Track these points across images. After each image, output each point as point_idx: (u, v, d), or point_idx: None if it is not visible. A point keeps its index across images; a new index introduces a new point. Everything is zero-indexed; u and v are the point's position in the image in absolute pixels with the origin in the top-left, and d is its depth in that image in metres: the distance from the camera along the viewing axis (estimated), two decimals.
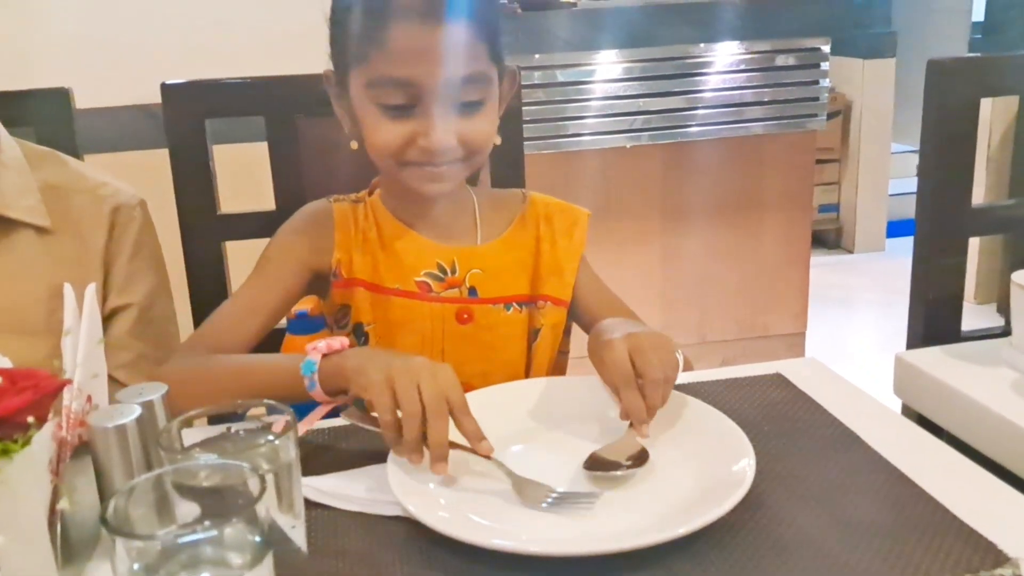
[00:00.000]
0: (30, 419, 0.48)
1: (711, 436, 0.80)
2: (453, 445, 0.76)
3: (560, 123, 2.61)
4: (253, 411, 0.64)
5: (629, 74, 2.62)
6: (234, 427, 0.60)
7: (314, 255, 1.07)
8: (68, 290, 0.74)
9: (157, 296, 1.16)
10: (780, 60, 2.69)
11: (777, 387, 0.94)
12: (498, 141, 1.03)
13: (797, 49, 2.69)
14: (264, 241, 1.12)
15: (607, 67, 2.60)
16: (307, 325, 1.26)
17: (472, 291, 1.06)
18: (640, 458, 0.77)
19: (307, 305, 1.24)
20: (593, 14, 2.70)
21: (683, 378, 0.91)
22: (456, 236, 1.08)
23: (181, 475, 0.52)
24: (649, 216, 2.78)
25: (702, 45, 2.66)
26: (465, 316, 1.05)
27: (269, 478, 0.47)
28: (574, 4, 2.68)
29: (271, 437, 0.58)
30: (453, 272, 1.06)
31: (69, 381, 0.56)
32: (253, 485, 0.48)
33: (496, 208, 1.11)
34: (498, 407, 0.87)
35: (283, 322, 1.21)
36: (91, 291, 0.74)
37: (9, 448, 0.48)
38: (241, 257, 1.31)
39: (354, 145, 1.03)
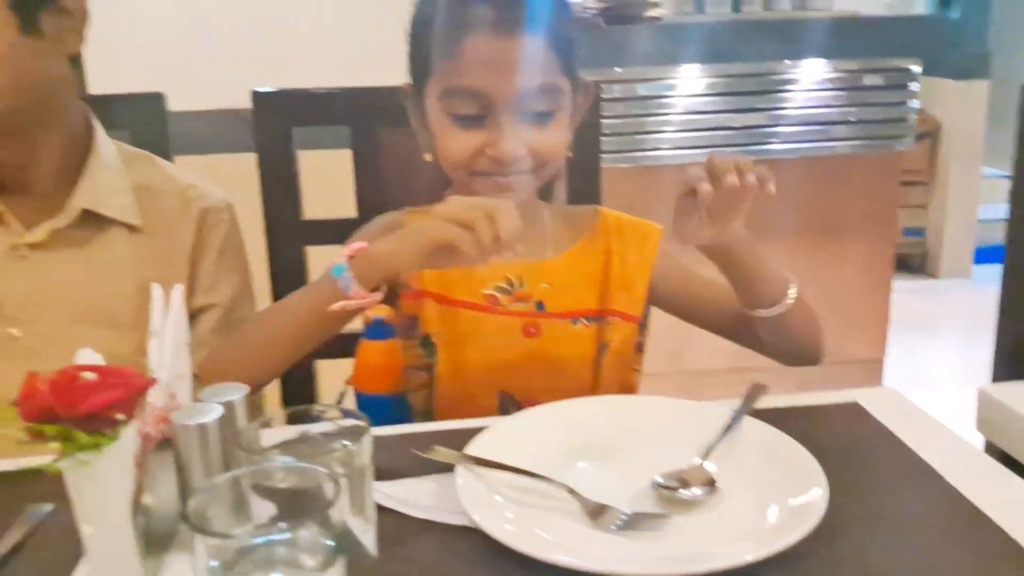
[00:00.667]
0: (119, 415, 0.51)
1: (784, 464, 0.78)
2: (520, 471, 0.76)
3: (639, 137, 2.60)
4: (329, 414, 0.65)
5: (712, 89, 2.60)
6: (311, 429, 0.62)
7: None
8: (157, 290, 0.77)
9: (241, 297, 1.19)
10: (868, 80, 2.63)
11: (854, 416, 0.92)
12: (569, 155, 1.04)
13: (886, 69, 2.63)
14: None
15: (689, 82, 2.58)
16: (383, 331, 1.28)
17: (540, 305, 1.07)
18: (710, 483, 0.77)
19: (383, 312, 1.27)
20: (677, 29, 2.69)
21: (759, 403, 0.89)
22: (527, 251, 1.08)
23: (259, 476, 0.54)
24: None
25: (787, 62, 2.61)
26: (532, 330, 1.06)
27: (343, 482, 0.48)
28: (659, 19, 2.67)
29: (346, 442, 0.59)
30: (521, 286, 1.07)
31: (156, 380, 0.58)
32: (328, 489, 0.49)
33: (567, 223, 1.12)
34: (565, 422, 0.87)
35: (358, 327, 1.23)
36: (179, 292, 0.77)
37: (100, 442, 0.50)
38: (321, 262, 1.34)
39: (428, 157, 1.06)
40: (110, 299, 1.09)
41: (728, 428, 0.84)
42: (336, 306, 0.89)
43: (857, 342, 2.89)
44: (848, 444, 0.86)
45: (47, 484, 0.79)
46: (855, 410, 0.93)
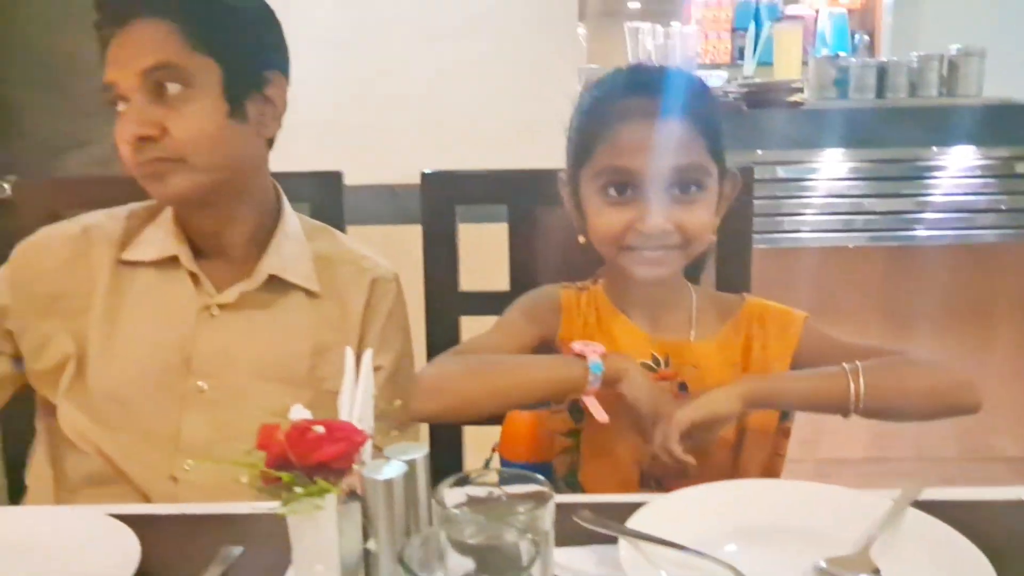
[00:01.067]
0: (342, 466, 0.56)
1: (950, 558, 0.77)
2: (684, 548, 0.78)
3: (778, 219, 2.59)
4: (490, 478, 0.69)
5: (854, 174, 2.57)
6: (495, 491, 0.66)
7: (544, 327, 1.15)
8: (349, 353, 0.83)
9: (403, 361, 1.26)
10: (1021, 167, 2.55)
11: (1021, 514, 0.89)
12: (713, 239, 1.09)
13: None
14: (494, 319, 1.21)
15: (830, 165, 2.57)
16: None
17: (682, 386, 1.09)
18: (875, 572, 0.76)
19: None
20: (819, 114, 2.69)
21: (923, 495, 0.88)
22: (670, 329, 1.12)
23: (453, 530, 0.58)
24: (869, 320, 2.69)
25: (934, 148, 2.57)
26: None
27: (540, 543, 0.52)
28: (800, 104, 2.68)
29: (531, 504, 0.63)
30: (666, 365, 1.09)
31: (369, 436, 0.64)
32: (525, 549, 0.53)
33: (713, 307, 1.15)
34: (722, 503, 0.89)
35: None
36: (368, 356, 0.83)
37: (329, 489, 0.56)
38: (473, 329, 1.40)
39: (582, 239, 1.13)
40: (287, 358, 1.18)
41: (891, 518, 0.83)
42: (588, 404, 1.02)
43: (1007, 438, 2.75)
44: (1017, 543, 0.84)
45: (238, 527, 0.87)
46: (1022, 508, 0.91)
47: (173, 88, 1.07)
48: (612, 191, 1.05)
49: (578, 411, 1.12)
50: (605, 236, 1.07)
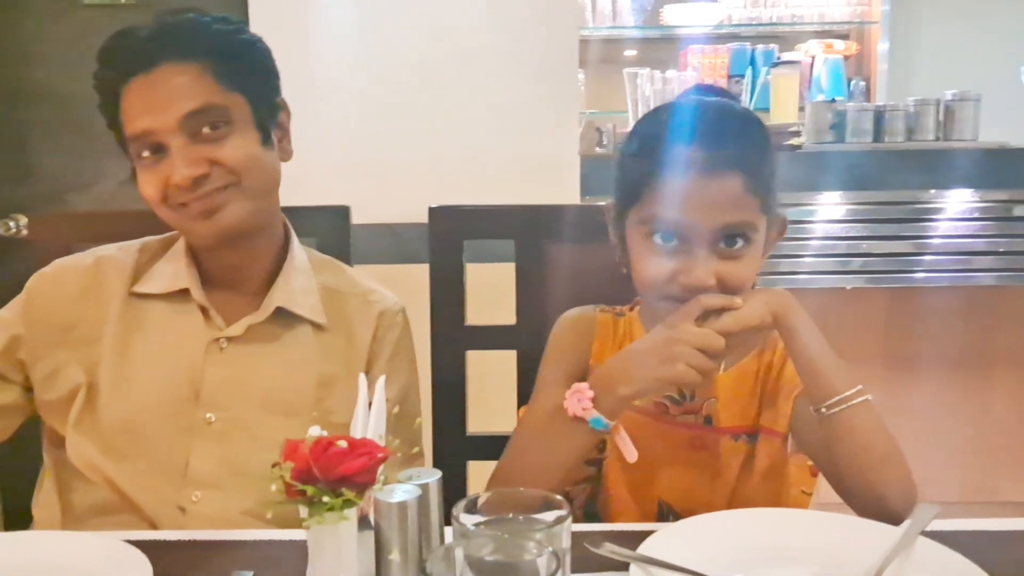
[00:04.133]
0: (364, 480, 0.57)
1: None
2: (696, 573, 0.78)
3: (776, 260, 2.61)
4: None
5: (852, 216, 2.60)
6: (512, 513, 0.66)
7: (576, 363, 1.15)
8: (362, 380, 0.84)
9: (409, 394, 1.27)
10: (1018, 211, 2.58)
11: None
12: (757, 282, 1.06)
13: None
14: (500, 353, 1.21)
15: (828, 208, 2.60)
16: None
17: (708, 420, 1.09)
18: None
19: None
20: (816, 157, 2.72)
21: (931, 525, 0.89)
22: None
23: (471, 547, 0.58)
24: (867, 362, 2.70)
25: (931, 192, 2.60)
26: (698, 444, 1.08)
27: (559, 556, 0.52)
28: (798, 147, 2.72)
29: (548, 522, 0.64)
30: (691, 399, 1.09)
31: (393, 452, 0.65)
32: (544, 564, 0.53)
33: (743, 340, 1.12)
34: (734, 530, 0.89)
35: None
36: (381, 384, 0.84)
37: (354, 500, 0.57)
38: (479, 363, 1.42)
39: (624, 270, 1.10)
40: (294, 390, 1.18)
41: (901, 547, 0.83)
42: (619, 442, 1.01)
43: (1010, 482, 2.75)
44: None
45: (248, 553, 0.87)
46: None
47: (214, 128, 1.09)
48: (658, 239, 1.01)
49: (600, 441, 1.11)
50: (648, 282, 1.04)
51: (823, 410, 0.96)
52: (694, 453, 1.08)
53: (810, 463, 1.10)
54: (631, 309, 1.18)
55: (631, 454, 1.00)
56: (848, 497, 0.98)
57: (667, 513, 1.09)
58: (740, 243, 0.99)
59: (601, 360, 1.12)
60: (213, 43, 1.12)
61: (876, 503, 0.94)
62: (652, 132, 1.05)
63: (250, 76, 1.14)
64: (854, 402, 0.96)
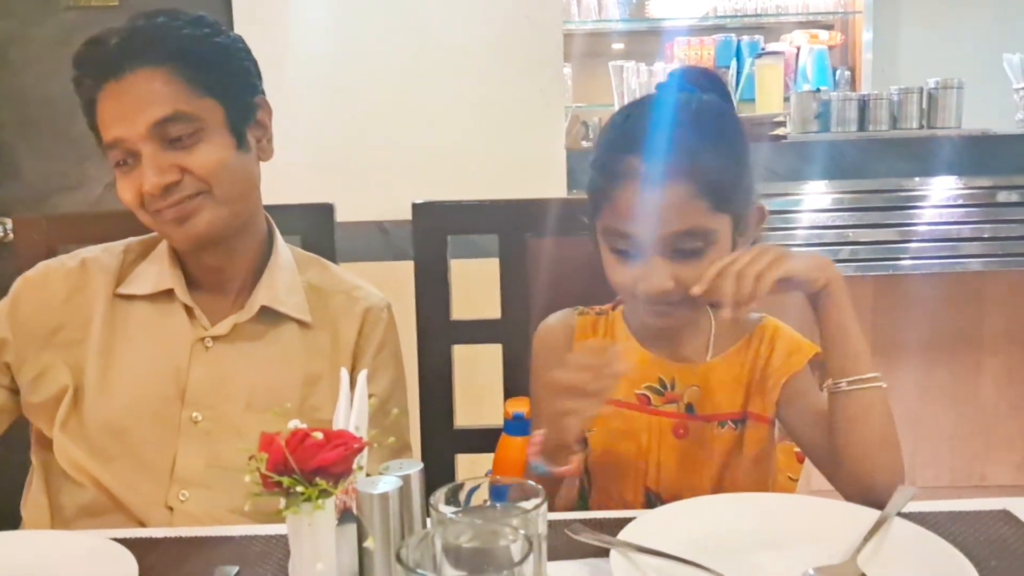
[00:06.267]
0: (340, 471, 0.58)
1: (936, 565, 0.79)
2: (675, 558, 0.79)
3: None
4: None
5: (838, 205, 2.61)
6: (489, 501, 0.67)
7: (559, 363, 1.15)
8: (344, 375, 0.85)
9: (395, 389, 1.28)
10: (1002, 196, 2.60)
11: (1005, 523, 0.91)
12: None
13: (1021, 186, 2.60)
14: (486, 347, 1.22)
15: (814, 197, 2.61)
16: (522, 427, 1.34)
17: (689, 407, 1.10)
18: None
19: (523, 407, 1.32)
20: (802, 147, 2.73)
21: (908, 507, 0.90)
22: (688, 355, 1.13)
23: (448, 535, 0.59)
24: None
25: (916, 179, 2.62)
26: (681, 431, 1.09)
27: (533, 541, 0.53)
28: (783, 137, 2.73)
29: (526, 507, 0.65)
30: (672, 387, 1.11)
31: (370, 443, 0.66)
32: (517, 549, 0.54)
33: (732, 329, 1.14)
34: (713, 515, 0.90)
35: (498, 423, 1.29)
36: (363, 378, 0.84)
37: (331, 491, 0.58)
38: (466, 358, 1.43)
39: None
40: (280, 388, 1.19)
41: (878, 527, 0.85)
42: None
43: (997, 466, 2.77)
44: (1001, 550, 0.85)
45: (234, 549, 0.88)
46: (1006, 517, 0.92)
47: (185, 134, 1.08)
48: (617, 249, 1.03)
49: (583, 440, 1.13)
50: (616, 286, 1.07)
51: (844, 385, 0.98)
52: (677, 441, 1.09)
53: (797, 449, 1.12)
54: (614, 308, 1.19)
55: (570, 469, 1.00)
56: (840, 479, 1.00)
57: (655, 502, 1.10)
58: (696, 246, 1.00)
59: None
60: (184, 47, 1.10)
61: (869, 488, 0.96)
62: (606, 143, 1.07)
63: (224, 79, 1.13)
64: (874, 385, 0.98)
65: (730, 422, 1.10)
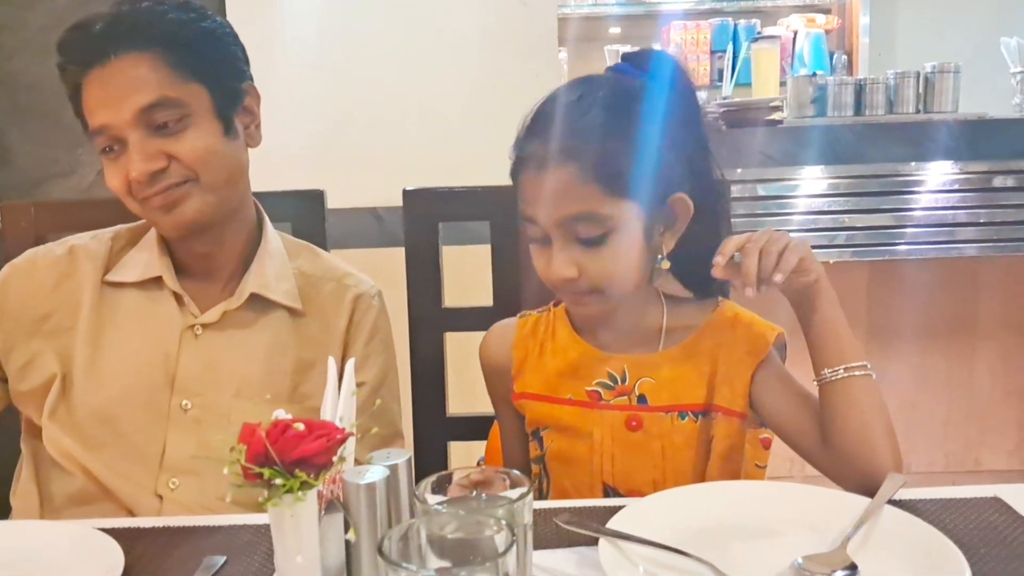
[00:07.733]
0: (322, 462, 0.58)
1: (926, 553, 0.79)
2: (664, 546, 0.79)
3: None
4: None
5: (834, 190, 2.60)
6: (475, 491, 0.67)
7: (500, 381, 1.18)
8: (331, 364, 0.84)
9: (386, 377, 1.27)
10: (998, 181, 2.59)
11: (995, 511, 0.91)
12: (666, 266, 1.05)
13: (1017, 171, 2.59)
14: (479, 334, 1.22)
15: (810, 182, 2.60)
16: None
17: (642, 399, 1.08)
18: (851, 567, 0.77)
19: None
20: (798, 131, 2.72)
21: (898, 495, 0.90)
22: (637, 345, 1.10)
23: (433, 526, 0.59)
24: (854, 334, 2.70)
25: (912, 164, 2.61)
26: (634, 423, 1.08)
27: (517, 532, 0.53)
28: (779, 122, 2.72)
29: (511, 498, 0.64)
30: (623, 380, 1.09)
31: (352, 433, 0.65)
32: (500, 540, 0.54)
33: (684, 316, 1.11)
34: (702, 503, 0.90)
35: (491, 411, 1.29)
36: (350, 367, 0.84)
37: (312, 483, 0.57)
38: (458, 345, 1.42)
39: None
40: (271, 376, 1.18)
41: (868, 515, 0.84)
42: None
43: (992, 452, 2.78)
44: (991, 537, 0.85)
45: (221, 538, 0.88)
46: (997, 504, 0.92)
47: (171, 120, 1.08)
48: (530, 235, 1.04)
49: (539, 438, 1.13)
50: (538, 274, 1.05)
51: (835, 373, 0.98)
52: (631, 434, 1.07)
53: (762, 436, 1.10)
54: (555, 305, 1.17)
55: None
56: (836, 468, 0.99)
57: (613, 497, 1.09)
58: (596, 233, 0.99)
59: (523, 368, 1.14)
60: (169, 32, 1.09)
61: (866, 475, 0.94)
62: (520, 128, 1.06)
63: (210, 64, 1.12)
64: (862, 373, 0.98)
65: (691, 414, 1.07)
